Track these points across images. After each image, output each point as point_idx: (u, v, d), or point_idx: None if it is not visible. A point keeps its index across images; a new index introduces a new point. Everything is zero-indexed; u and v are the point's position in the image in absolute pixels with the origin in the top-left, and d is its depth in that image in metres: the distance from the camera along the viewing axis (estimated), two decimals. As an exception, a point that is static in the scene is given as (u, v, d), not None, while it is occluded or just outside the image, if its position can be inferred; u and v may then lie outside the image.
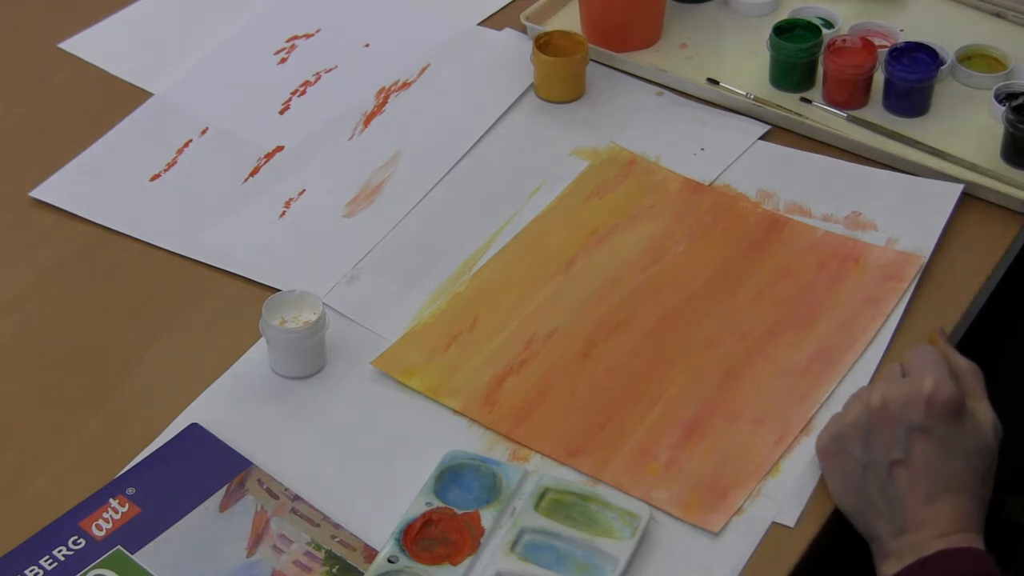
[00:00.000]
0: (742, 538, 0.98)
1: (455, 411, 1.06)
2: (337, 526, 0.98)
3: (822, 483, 1.00)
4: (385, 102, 1.36)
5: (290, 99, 1.37)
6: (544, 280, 1.16)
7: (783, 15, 1.41)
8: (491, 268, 1.18)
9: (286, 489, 1.00)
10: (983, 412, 0.98)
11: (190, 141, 1.32)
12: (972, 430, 0.96)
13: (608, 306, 1.14)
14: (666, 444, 1.03)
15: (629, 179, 1.26)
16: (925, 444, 0.94)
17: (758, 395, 1.07)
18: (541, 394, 1.07)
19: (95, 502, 0.99)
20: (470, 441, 1.04)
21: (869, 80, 1.31)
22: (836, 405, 1.04)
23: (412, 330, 1.12)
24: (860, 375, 1.08)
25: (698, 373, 1.08)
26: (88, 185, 1.27)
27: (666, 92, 1.36)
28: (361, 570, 0.95)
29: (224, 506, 0.99)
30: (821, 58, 1.32)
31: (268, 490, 1.00)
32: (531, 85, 1.36)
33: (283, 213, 1.24)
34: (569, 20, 1.44)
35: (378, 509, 0.99)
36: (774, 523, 0.99)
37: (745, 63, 1.38)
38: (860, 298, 1.14)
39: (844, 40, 1.31)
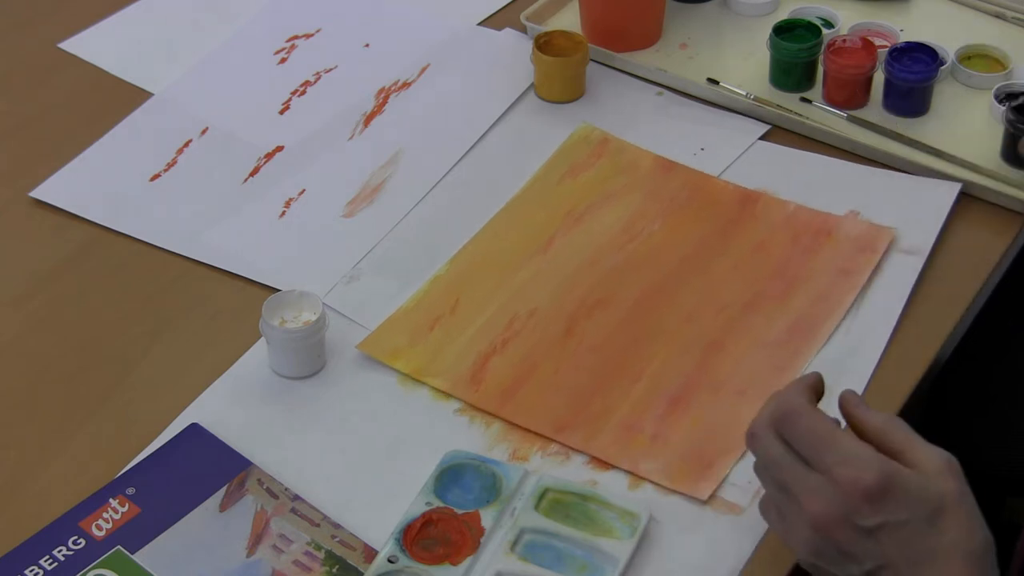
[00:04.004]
0: (742, 538, 0.98)
1: (442, 391, 1.07)
2: (337, 526, 0.98)
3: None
4: (385, 102, 1.36)
5: (290, 99, 1.37)
6: (523, 261, 1.18)
7: (783, 15, 1.41)
8: (470, 251, 1.19)
9: (286, 489, 1.00)
10: (924, 458, 0.86)
11: (190, 141, 1.32)
12: (920, 491, 0.85)
13: (588, 284, 1.15)
14: (652, 417, 1.05)
15: (602, 158, 1.27)
16: (889, 538, 0.84)
17: (739, 367, 1.08)
18: (526, 372, 1.08)
19: (95, 502, 0.99)
20: (470, 441, 1.04)
21: (869, 80, 1.31)
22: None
23: (395, 314, 1.13)
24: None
25: (679, 347, 1.10)
26: (88, 185, 1.27)
27: (666, 92, 1.36)
28: (361, 570, 0.95)
29: (224, 506, 0.99)
30: (821, 58, 1.32)
31: (268, 490, 1.00)
32: (531, 85, 1.36)
33: (283, 213, 1.24)
34: (569, 20, 1.44)
35: (378, 509, 0.99)
36: (774, 523, 0.99)
37: (745, 63, 1.38)
38: (834, 270, 1.15)
39: (844, 40, 1.31)
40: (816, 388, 0.91)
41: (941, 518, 0.84)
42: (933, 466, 0.86)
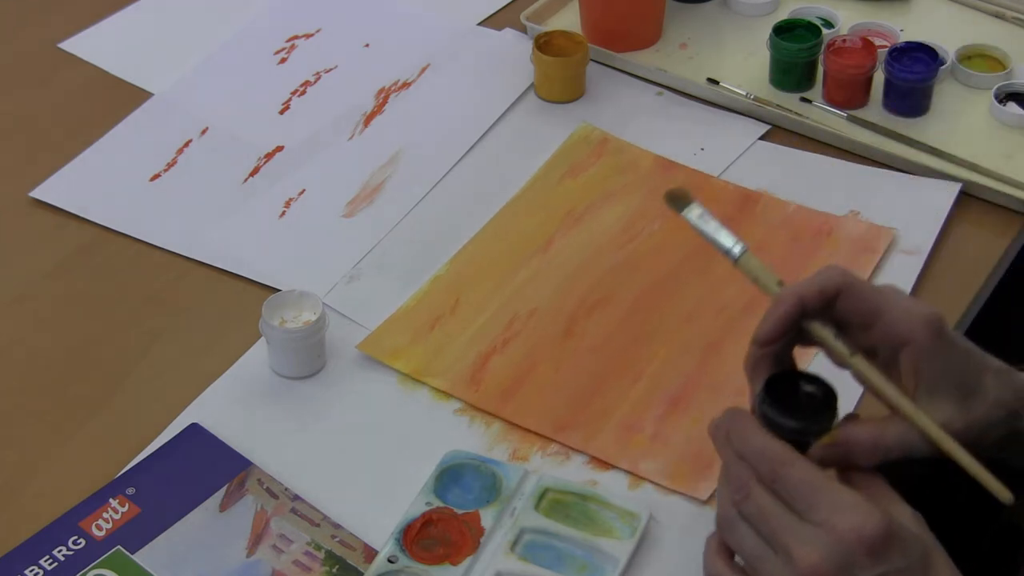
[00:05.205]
0: (742, 538, 0.98)
1: (442, 391, 1.07)
2: (337, 526, 0.98)
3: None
4: (385, 102, 1.36)
5: (290, 99, 1.37)
6: (523, 261, 1.18)
7: (783, 15, 1.41)
8: (470, 251, 1.19)
9: (286, 489, 1.00)
10: (905, 514, 0.83)
11: (190, 141, 1.32)
12: (912, 537, 0.81)
13: (588, 284, 1.16)
14: (651, 417, 1.05)
15: (602, 158, 1.28)
16: None
17: (739, 367, 1.08)
18: (526, 372, 1.09)
19: (95, 502, 0.99)
20: (470, 441, 1.04)
21: (869, 80, 1.31)
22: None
23: (395, 314, 1.13)
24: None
25: (679, 347, 1.10)
26: (88, 185, 1.27)
27: (666, 92, 1.36)
28: (361, 570, 0.95)
29: (224, 506, 0.99)
30: (821, 58, 1.32)
31: (268, 490, 1.00)
32: (531, 85, 1.36)
33: (283, 213, 1.24)
34: (569, 20, 1.44)
35: (378, 509, 0.99)
36: (774, 523, 0.99)
37: (745, 63, 1.38)
38: None
39: (844, 40, 1.31)
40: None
41: (932, 562, 0.81)
42: (908, 518, 0.82)
